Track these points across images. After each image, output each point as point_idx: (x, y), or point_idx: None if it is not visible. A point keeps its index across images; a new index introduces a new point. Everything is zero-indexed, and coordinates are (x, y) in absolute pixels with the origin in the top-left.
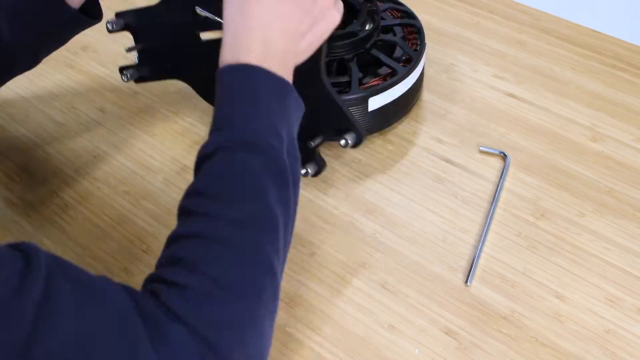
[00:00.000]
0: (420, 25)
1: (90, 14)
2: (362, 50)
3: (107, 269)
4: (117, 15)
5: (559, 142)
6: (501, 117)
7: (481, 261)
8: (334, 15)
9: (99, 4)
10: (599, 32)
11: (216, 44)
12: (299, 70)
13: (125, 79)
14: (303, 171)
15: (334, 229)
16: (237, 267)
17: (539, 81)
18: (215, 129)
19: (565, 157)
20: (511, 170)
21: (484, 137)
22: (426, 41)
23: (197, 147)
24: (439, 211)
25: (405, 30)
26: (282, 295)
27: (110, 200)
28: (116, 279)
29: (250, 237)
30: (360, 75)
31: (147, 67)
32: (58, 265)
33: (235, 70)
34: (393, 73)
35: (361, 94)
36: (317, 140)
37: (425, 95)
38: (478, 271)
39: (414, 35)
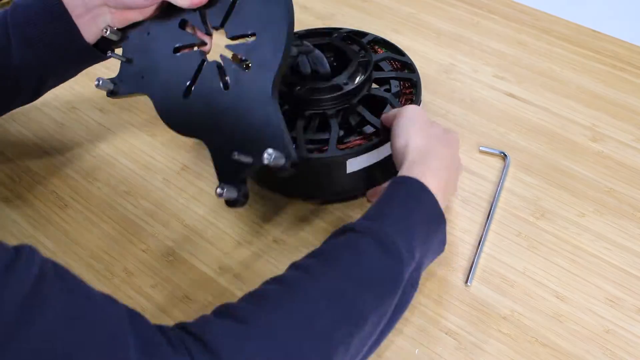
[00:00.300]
0: (418, 79)
1: (102, 48)
2: (347, 105)
3: (107, 269)
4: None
5: (559, 142)
6: (501, 117)
7: (481, 261)
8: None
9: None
10: (599, 32)
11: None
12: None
13: (98, 84)
14: (218, 190)
15: (333, 229)
16: (288, 329)
17: (539, 81)
18: (366, 217)
19: (565, 157)
20: (511, 170)
21: (484, 137)
22: (428, 40)
23: (197, 147)
24: None
25: (402, 84)
26: None
27: (110, 200)
28: (116, 279)
29: (327, 312)
30: (342, 133)
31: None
32: (56, 271)
33: (412, 182)
34: (378, 133)
35: (338, 154)
36: (245, 158)
37: (425, 95)
38: (478, 271)
39: (411, 90)
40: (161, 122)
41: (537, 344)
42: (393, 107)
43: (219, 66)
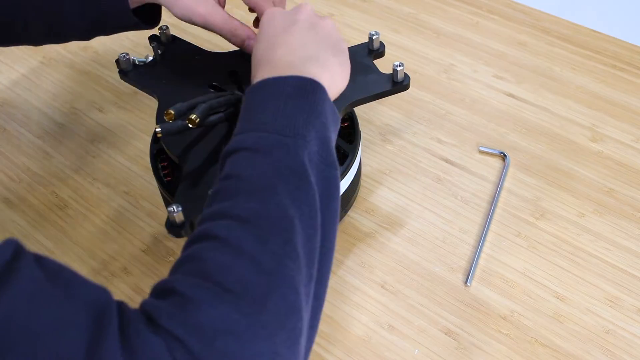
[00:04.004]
0: (352, 111)
1: (147, 18)
2: None
3: (107, 269)
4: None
5: (559, 142)
6: (501, 117)
7: (481, 261)
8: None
9: (159, 12)
10: (599, 32)
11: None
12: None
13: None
14: (173, 208)
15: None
16: (230, 268)
17: (539, 81)
18: (233, 135)
19: (565, 157)
20: (511, 170)
21: (484, 137)
22: (428, 40)
23: None
24: (439, 211)
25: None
26: None
27: (110, 200)
28: (116, 279)
29: (252, 236)
30: None
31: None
32: (37, 257)
33: (252, 87)
34: None
35: None
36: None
37: (425, 95)
38: (478, 271)
39: (347, 123)
40: None
41: (537, 344)
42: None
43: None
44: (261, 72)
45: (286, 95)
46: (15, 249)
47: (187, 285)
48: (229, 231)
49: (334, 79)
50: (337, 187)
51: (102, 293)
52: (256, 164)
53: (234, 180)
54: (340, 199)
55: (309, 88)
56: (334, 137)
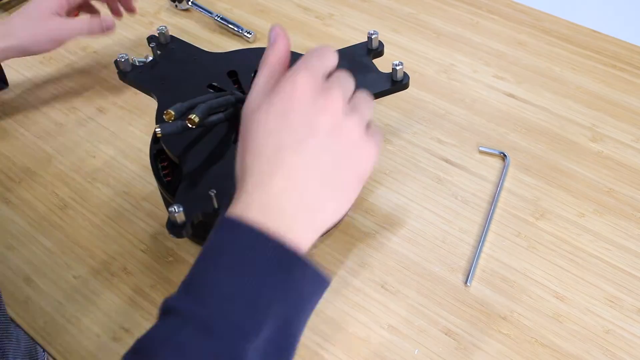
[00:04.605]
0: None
1: None
2: None
3: (106, 269)
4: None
5: (559, 142)
6: (501, 117)
7: (481, 261)
8: (367, 153)
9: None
10: (599, 32)
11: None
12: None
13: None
14: (174, 208)
15: (333, 230)
16: None
17: (539, 81)
18: (183, 287)
19: (565, 157)
20: (511, 170)
21: (484, 137)
22: (428, 40)
23: None
24: (439, 211)
25: None
26: None
27: (110, 200)
28: (116, 279)
29: None
30: None
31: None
32: None
33: (231, 225)
34: None
35: None
36: (215, 202)
37: (425, 95)
38: (478, 271)
39: None
40: None
41: (537, 344)
42: None
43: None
44: (245, 198)
45: (258, 272)
46: None
47: None
48: None
49: (333, 217)
50: None
51: None
52: (192, 351)
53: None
54: None
55: (285, 266)
56: (307, 313)
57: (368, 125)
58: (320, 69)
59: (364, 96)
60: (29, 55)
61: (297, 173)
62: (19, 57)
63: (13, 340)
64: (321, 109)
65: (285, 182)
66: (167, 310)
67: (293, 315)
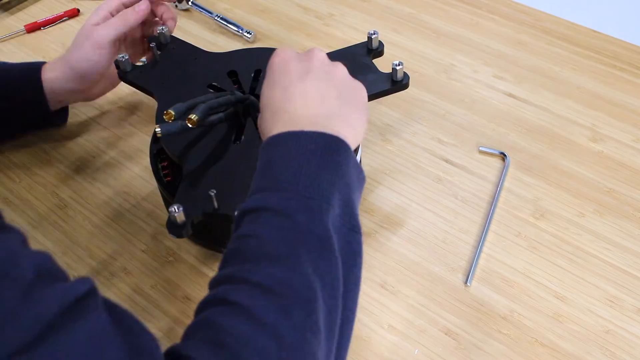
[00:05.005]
0: None
1: (58, 118)
2: None
3: (107, 269)
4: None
5: (559, 142)
6: (501, 117)
7: (481, 261)
8: (360, 87)
9: (67, 110)
10: (599, 32)
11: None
12: None
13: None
14: (174, 208)
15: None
16: (250, 340)
17: (539, 81)
18: (251, 192)
19: (565, 157)
20: (511, 170)
21: (484, 137)
22: (428, 40)
23: None
24: (439, 211)
25: None
26: None
27: (110, 200)
28: (116, 279)
29: (274, 307)
30: None
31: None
32: (107, 302)
33: (271, 139)
34: None
35: None
36: (215, 201)
37: (425, 95)
38: (478, 271)
39: None
40: None
41: (537, 345)
42: None
43: (245, 115)
44: (278, 125)
45: (309, 152)
46: (89, 288)
47: (205, 356)
48: (250, 299)
49: (356, 133)
50: (360, 253)
51: (155, 341)
52: (278, 227)
53: (255, 242)
54: (362, 264)
55: (333, 147)
56: (358, 198)
57: None
58: (294, 51)
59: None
60: (87, 81)
61: (308, 93)
62: (79, 88)
63: None
64: (309, 59)
65: (302, 101)
66: (240, 213)
67: (349, 195)
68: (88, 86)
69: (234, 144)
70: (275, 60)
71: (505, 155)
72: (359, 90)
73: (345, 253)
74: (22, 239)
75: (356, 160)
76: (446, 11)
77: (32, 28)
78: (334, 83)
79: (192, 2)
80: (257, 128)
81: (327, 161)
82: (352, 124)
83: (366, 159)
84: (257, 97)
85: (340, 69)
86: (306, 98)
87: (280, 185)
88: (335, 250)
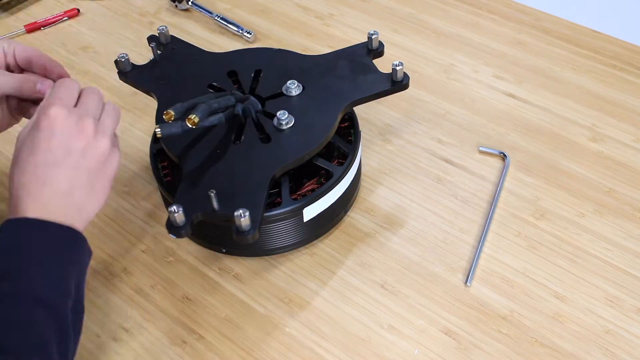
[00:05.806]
0: (352, 111)
1: None
2: None
3: (107, 269)
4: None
5: (559, 142)
6: (501, 117)
7: (481, 261)
8: (114, 161)
9: None
10: (599, 32)
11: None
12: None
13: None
14: (174, 208)
15: (333, 230)
16: None
17: (539, 81)
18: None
19: (565, 157)
20: (511, 170)
21: (484, 137)
22: (428, 40)
23: None
24: (439, 211)
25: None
26: (281, 295)
27: (110, 200)
28: (116, 279)
29: None
30: (291, 184)
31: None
32: None
33: (17, 223)
34: (328, 174)
35: (294, 206)
36: (214, 202)
37: (425, 95)
38: (478, 271)
39: (347, 123)
40: None
41: (537, 344)
42: (336, 144)
43: (244, 117)
44: (26, 202)
45: (57, 249)
46: None
47: None
48: None
49: (96, 210)
50: (80, 327)
51: None
52: (36, 319)
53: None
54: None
55: (73, 240)
56: (84, 277)
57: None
58: (70, 99)
59: (110, 109)
60: None
61: (60, 184)
62: None
63: None
64: (75, 135)
65: (52, 190)
66: None
67: (81, 277)
68: None
69: (233, 144)
70: (42, 119)
71: (505, 155)
72: (112, 166)
73: (74, 331)
74: None
75: (86, 244)
76: (446, 11)
77: (32, 28)
78: (89, 169)
79: (192, 2)
80: (257, 128)
81: (68, 257)
82: (92, 208)
83: (366, 159)
84: (257, 97)
85: (104, 143)
86: (58, 184)
87: (30, 280)
88: (70, 334)
